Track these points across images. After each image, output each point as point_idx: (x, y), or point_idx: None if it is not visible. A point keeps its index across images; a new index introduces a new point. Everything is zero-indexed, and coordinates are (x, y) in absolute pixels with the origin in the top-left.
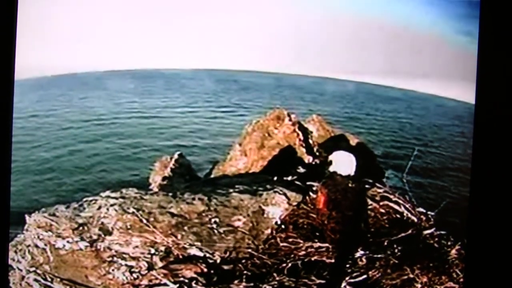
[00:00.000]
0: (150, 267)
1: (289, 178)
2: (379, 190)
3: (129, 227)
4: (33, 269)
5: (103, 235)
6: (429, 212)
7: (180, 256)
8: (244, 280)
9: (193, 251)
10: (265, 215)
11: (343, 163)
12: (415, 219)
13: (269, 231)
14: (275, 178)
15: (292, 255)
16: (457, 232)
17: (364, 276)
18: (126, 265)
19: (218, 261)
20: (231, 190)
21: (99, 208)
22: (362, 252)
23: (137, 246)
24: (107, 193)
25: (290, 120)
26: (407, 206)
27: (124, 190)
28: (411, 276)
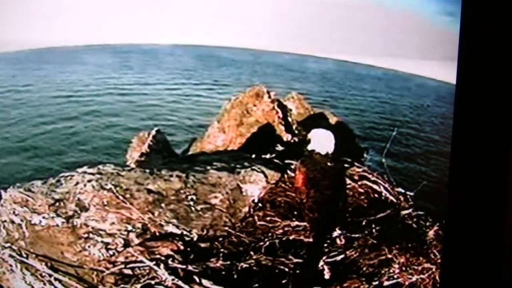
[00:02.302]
0: (126, 244)
1: (268, 156)
2: (357, 170)
3: (105, 203)
4: (8, 244)
5: (79, 211)
6: (407, 192)
7: (157, 233)
8: (221, 258)
9: (170, 228)
10: (243, 193)
11: (321, 141)
12: (394, 199)
13: (246, 209)
14: (254, 156)
15: (270, 234)
16: (435, 213)
17: (342, 256)
18: (102, 241)
19: (195, 238)
20: (208, 168)
21: (76, 184)
22: (340, 231)
23: (113, 223)
24: (84, 168)
25: (269, 97)
26: (385, 186)
27: (101, 166)
28: (389, 256)
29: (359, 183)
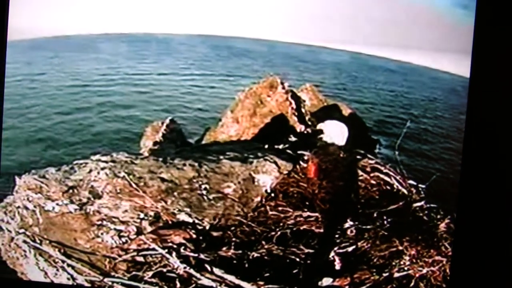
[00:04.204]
0: (139, 231)
1: (280, 146)
2: (370, 161)
3: (119, 191)
4: (22, 230)
5: (92, 199)
6: (419, 185)
7: (169, 222)
8: (232, 247)
9: (182, 217)
10: (255, 183)
11: (334, 133)
12: (406, 192)
13: (258, 199)
14: (266, 146)
15: (281, 224)
16: (446, 206)
17: (353, 247)
18: (115, 229)
19: (207, 227)
20: (221, 157)
21: (90, 171)
22: (351, 222)
23: (126, 211)
24: (98, 156)
25: (283, 88)
26: (397, 178)
27: (114, 154)
28: (400, 248)
29: (371, 174)
